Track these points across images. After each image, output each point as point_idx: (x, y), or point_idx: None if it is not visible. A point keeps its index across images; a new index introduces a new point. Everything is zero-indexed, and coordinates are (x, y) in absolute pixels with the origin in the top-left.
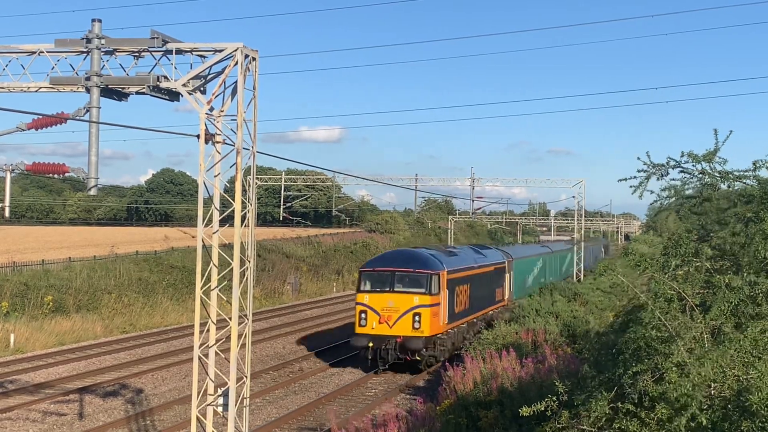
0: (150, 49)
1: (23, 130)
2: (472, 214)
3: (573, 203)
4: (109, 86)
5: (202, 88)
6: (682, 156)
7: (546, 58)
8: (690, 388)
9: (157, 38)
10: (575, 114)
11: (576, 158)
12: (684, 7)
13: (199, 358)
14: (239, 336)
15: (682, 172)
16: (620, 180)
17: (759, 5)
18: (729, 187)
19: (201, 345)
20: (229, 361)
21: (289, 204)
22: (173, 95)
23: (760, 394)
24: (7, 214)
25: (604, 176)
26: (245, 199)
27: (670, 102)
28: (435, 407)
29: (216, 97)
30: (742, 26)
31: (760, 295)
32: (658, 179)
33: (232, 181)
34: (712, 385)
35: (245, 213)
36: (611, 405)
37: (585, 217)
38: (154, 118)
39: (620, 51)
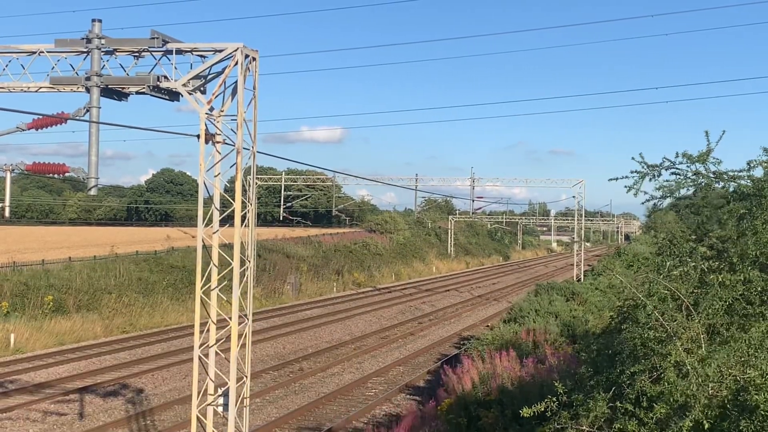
0: (150, 49)
1: (23, 130)
2: (472, 214)
3: (573, 203)
4: (109, 86)
5: (202, 88)
6: (677, 156)
7: (546, 58)
8: (693, 389)
9: (157, 38)
10: (576, 114)
11: (576, 158)
12: (684, 7)
13: (199, 358)
14: (239, 336)
15: (675, 173)
16: (611, 179)
17: (759, 5)
18: (723, 187)
19: (201, 345)
20: (229, 361)
21: (290, 204)
22: (173, 95)
23: (765, 394)
24: (7, 214)
25: (604, 176)
26: (245, 199)
27: (670, 102)
28: (435, 407)
29: (216, 97)
30: (741, 26)
31: (754, 293)
32: (650, 180)
33: (232, 181)
34: (710, 385)
35: (245, 213)
36: (609, 405)
37: (585, 217)
38: (155, 119)
39: (620, 51)
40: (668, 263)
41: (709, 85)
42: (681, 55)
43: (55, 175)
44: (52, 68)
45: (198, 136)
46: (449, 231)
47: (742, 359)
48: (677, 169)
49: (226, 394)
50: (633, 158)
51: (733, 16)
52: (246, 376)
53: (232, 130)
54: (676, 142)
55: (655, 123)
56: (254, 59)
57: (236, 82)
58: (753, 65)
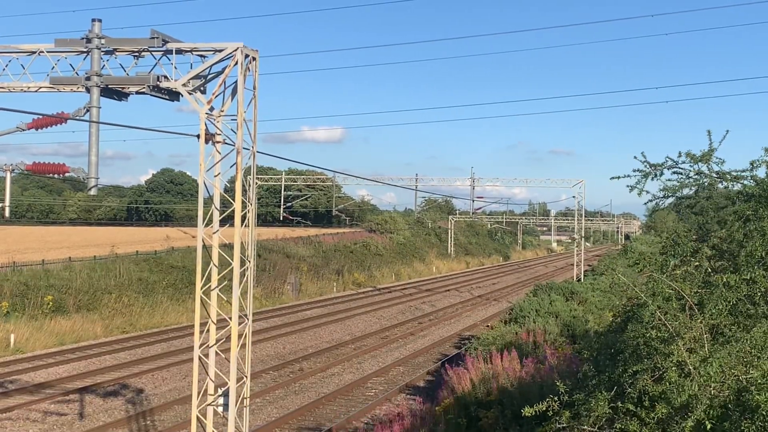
0: (150, 49)
1: (23, 130)
2: (473, 213)
3: (573, 203)
4: (109, 86)
5: (202, 88)
6: (680, 156)
7: (546, 58)
8: (695, 389)
9: (157, 38)
10: (575, 114)
11: (576, 158)
12: (684, 7)
13: (199, 358)
14: (239, 336)
15: (676, 173)
16: (612, 178)
17: (759, 5)
18: (726, 187)
19: (201, 345)
20: (229, 361)
21: (290, 204)
22: (173, 95)
23: (767, 394)
24: (7, 214)
25: (604, 176)
26: (245, 199)
27: (670, 102)
28: (434, 407)
29: (216, 96)
30: (741, 26)
31: (758, 294)
32: (652, 179)
33: (232, 180)
34: (712, 385)
35: (245, 213)
36: (611, 405)
37: (585, 217)
38: (155, 119)
39: (620, 51)
40: (671, 262)
41: (709, 85)
42: (681, 55)
43: (55, 175)
44: (52, 68)
45: (198, 136)
46: (449, 231)
47: (745, 359)
48: (680, 168)
49: (226, 394)
50: (635, 157)
51: (733, 16)
52: (246, 376)
53: (232, 130)
54: (677, 141)
55: (655, 123)
56: (254, 59)
57: (236, 82)
58: (752, 65)
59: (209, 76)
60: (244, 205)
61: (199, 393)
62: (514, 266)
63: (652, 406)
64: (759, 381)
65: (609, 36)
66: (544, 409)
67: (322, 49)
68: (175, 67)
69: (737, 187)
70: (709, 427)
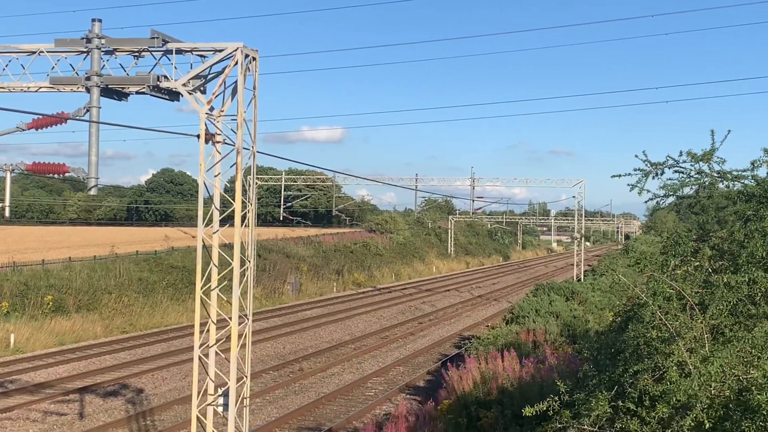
0: (150, 49)
1: (23, 130)
2: (473, 213)
3: (573, 203)
4: (109, 86)
5: (202, 88)
6: (681, 155)
7: (546, 58)
8: (695, 388)
9: (157, 38)
10: (575, 114)
11: (576, 158)
12: (684, 7)
13: (199, 358)
14: (239, 336)
15: (678, 171)
16: (614, 176)
17: (759, 5)
18: (727, 186)
19: (201, 345)
20: (229, 361)
21: (290, 204)
22: (173, 95)
23: (767, 394)
24: (7, 214)
25: (604, 176)
26: (245, 199)
27: (670, 102)
28: (435, 407)
29: (216, 96)
30: (742, 26)
31: (759, 294)
32: (653, 178)
33: (232, 180)
34: (713, 385)
35: (245, 213)
36: (611, 404)
37: (585, 216)
38: (155, 119)
39: (620, 51)
40: (672, 262)
41: (709, 85)
42: (681, 55)
43: (55, 175)
44: (52, 68)
45: (198, 136)
46: (449, 231)
47: (746, 359)
48: (681, 167)
49: (226, 394)
50: (636, 156)
51: (733, 16)
52: (246, 376)
53: (232, 130)
54: (677, 141)
55: (655, 123)
56: (254, 59)
57: (236, 81)
58: (753, 65)
59: (209, 76)
60: (244, 205)
61: (199, 393)
62: (514, 266)
63: (652, 405)
64: (760, 381)
65: (609, 36)
66: (545, 408)
67: (322, 49)
68: (175, 67)
69: (738, 186)
70: (707, 426)
